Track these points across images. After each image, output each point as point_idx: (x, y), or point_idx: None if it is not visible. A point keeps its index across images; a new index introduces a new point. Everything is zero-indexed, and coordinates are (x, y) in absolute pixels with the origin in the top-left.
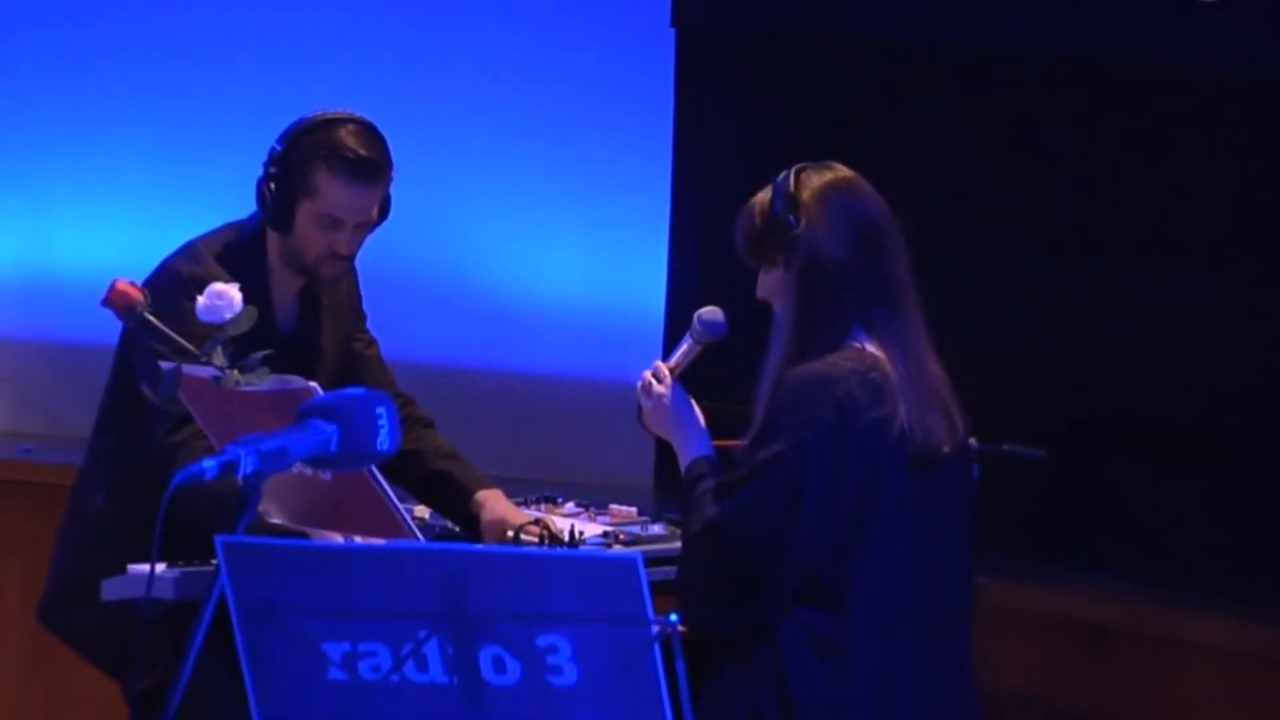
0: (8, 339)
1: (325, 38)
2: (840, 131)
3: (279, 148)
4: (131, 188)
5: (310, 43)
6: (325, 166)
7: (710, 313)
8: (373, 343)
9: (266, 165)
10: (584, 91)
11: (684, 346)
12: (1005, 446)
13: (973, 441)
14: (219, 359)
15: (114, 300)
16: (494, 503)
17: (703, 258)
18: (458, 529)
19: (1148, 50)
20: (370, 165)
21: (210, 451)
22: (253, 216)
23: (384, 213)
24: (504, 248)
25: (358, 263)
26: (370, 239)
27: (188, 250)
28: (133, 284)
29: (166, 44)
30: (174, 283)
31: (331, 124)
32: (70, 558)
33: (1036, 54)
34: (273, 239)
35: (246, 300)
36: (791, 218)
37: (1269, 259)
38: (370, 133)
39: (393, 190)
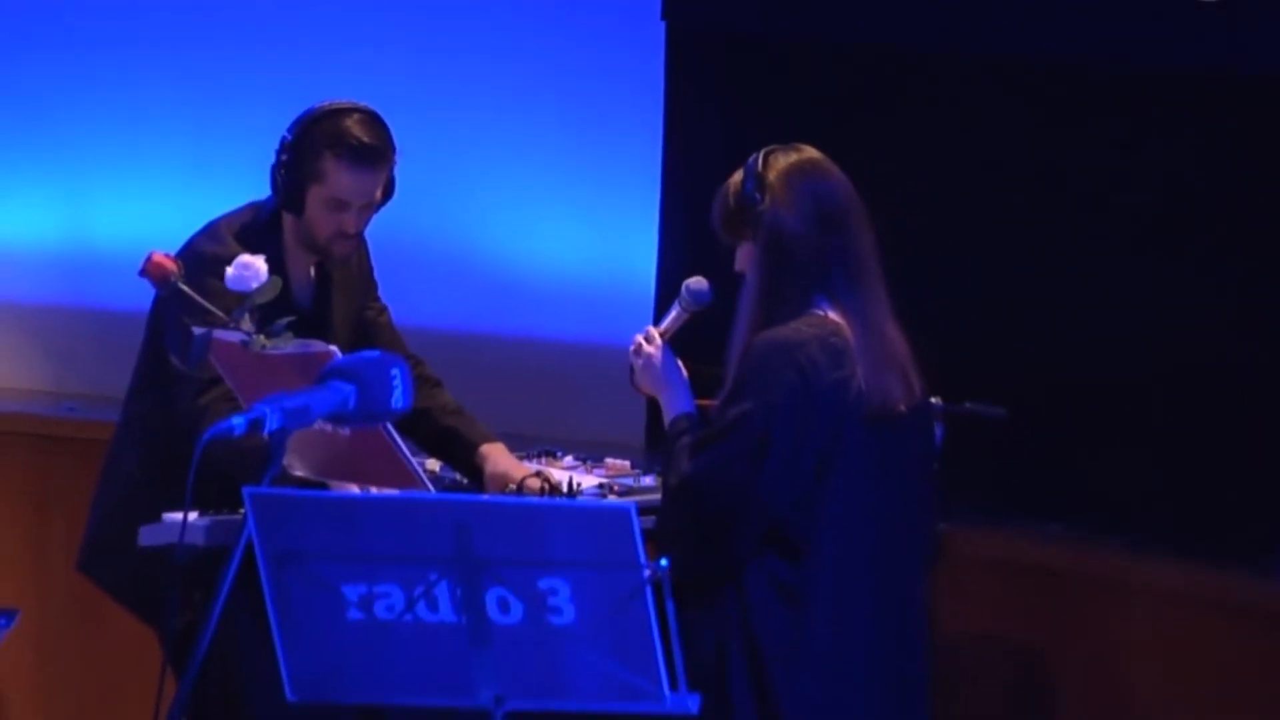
0: (51, 306)
1: (340, 28)
2: (822, 120)
3: (289, 136)
4: (166, 165)
5: (326, 32)
6: (332, 154)
7: (696, 282)
8: (384, 310)
9: (278, 153)
10: (580, 77)
11: (673, 313)
12: (967, 405)
13: (937, 400)
14: (247, 325)
15: (150, 271)
16: (497, 456)
17: (690, 232)
18: (466, 481)
19: (1135, 51)
20: (374, 152)
21: (236, 412)
22: (270, 198)
23: (388, 193)
24: (506, 224)
25: (370, 235)
26: (384, 213)
27: (210, 230)
28: (168, 256)
29: (199, 29)
30: (198, 261)
31: (338, 114)
32: (106, 512)
33: (1024, 56)
34: (288, 220)
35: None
36: (758, 195)
37: (1217, 249)
38: (374, 121)
39: (404, 169)
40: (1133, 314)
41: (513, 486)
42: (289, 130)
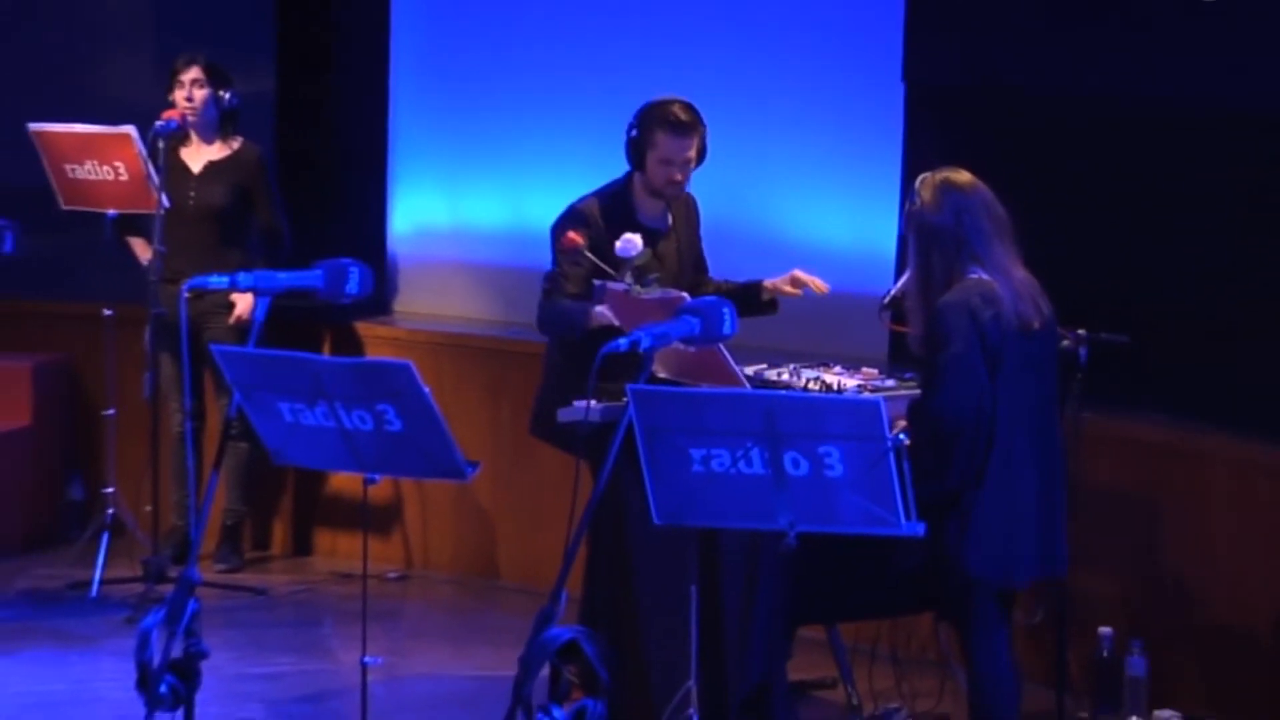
0: (501, 266)
1: (696, 78)
2: (1024, 149)
3: (634, 120)
4: (579, 163)
5: (682, 74)
6: (660, 129)
7: None
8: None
9: (628, 130)
10: (841, 110)
11: (908, 275)
12: (1102, 335)
13: (1083, 331)
14: (628, 279)
15: (565, 244)
16: (771, 284)
17: None
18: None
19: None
20: (688, 125)
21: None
22: (622, 175)
23: (701, 156)
24: (792, 210)
25: (704, 223)
26: (717, 204)
27: (581, 200)
28: (578, 232)
29: (596, 57)
30: (566, 214)
31: (664, 103)
32: (544, 391)
33: (1196, 109)
34: (636, 176)
35: (616, 209)
36: (916, 202)
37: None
38: (688, 106)
39: (727, 173)
40: (1215, 277)
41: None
42: (634, 116)
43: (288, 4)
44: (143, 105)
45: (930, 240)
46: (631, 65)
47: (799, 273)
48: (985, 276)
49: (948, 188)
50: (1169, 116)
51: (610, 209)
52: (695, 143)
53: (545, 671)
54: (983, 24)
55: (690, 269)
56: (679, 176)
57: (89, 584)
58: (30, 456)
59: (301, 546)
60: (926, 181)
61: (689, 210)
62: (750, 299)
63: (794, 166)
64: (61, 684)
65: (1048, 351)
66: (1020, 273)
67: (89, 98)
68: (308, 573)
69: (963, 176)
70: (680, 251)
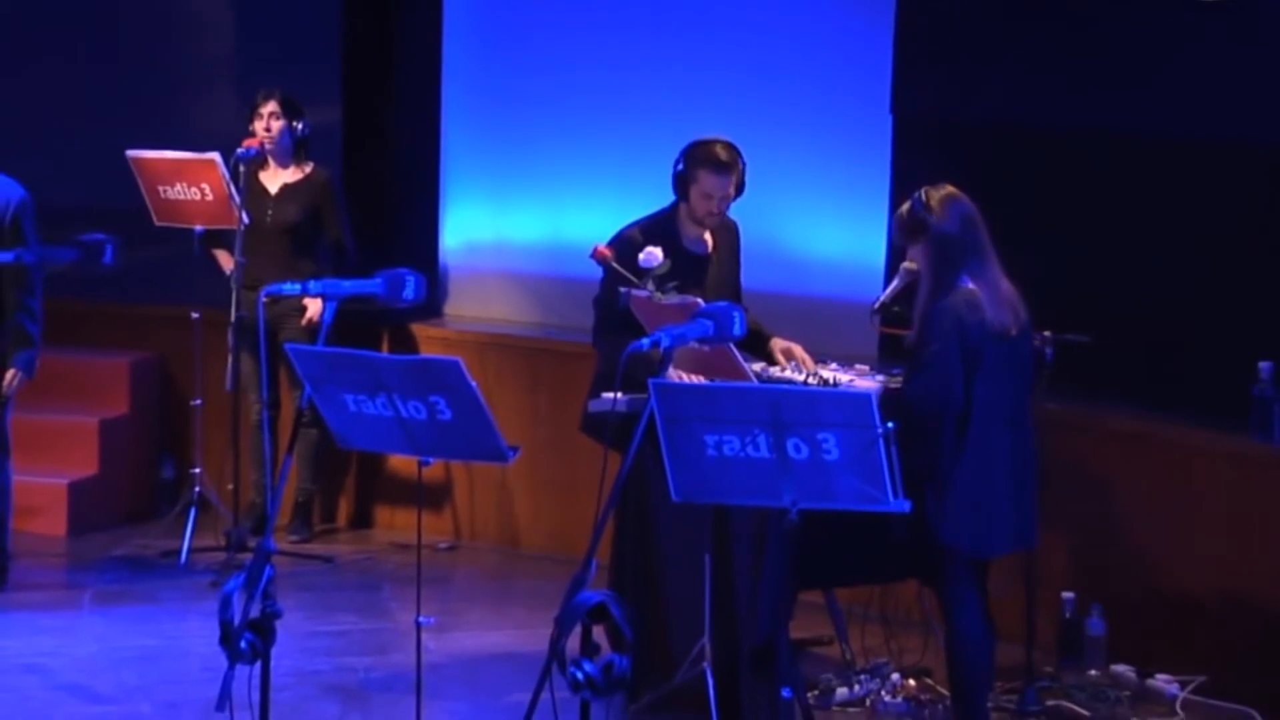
0: (539, 275)
1: (715, 102)
2: (1006, 173)
3: (680, 156)
4: (610, 183)
5: (707, 110)
6: (702, 167)
7: (912, 263)
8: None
9: (674, 165)
10: (832, 140)
11: (895, 283)
12: (1068, 335)
13: (1049, 333)
14: (651, 286)
15: (596, 255)
16: (774, 342)
17: None
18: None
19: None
20: (727, 165)
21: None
22: (669, 204)
23: (739, 190)
24: (791, 224)
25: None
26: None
27: (627, 226)
28: (607, 246)
29: (623, 94)
30: (619, 241)
31: (707, 142)
32: (592, 395)
33: (1173, 140)
34: (682, 206)
35: (663, 238)
36: (928, 215)
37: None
38: (729, 146)
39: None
40: (1166, 291)
41: (782, 350)
42: (680, 153)
43: (352, 46)
44: (226, 135)
45: (943, 248)
46: (656, 96)
47: (798, 350)
48: (972, 286)
49: (952, 199)
50: (1148, 147)
51: (652, 234)
52: (734, 179)
53: (578, 630)
54: (966, 61)
55: (728, 294)
56: (716, 209)
57: (178, 552)
58: (127, 441)
59: (364, 520)
60: (932, 195)
61: (730, 237)
62: (758, 345)
63: (794, 187)
64: (154, 639)
65: (1024, 352)
66: (1004, 283)
67: (180, 128)
68: (369, 543)
69: (957, 191)
70: (720, 276)
